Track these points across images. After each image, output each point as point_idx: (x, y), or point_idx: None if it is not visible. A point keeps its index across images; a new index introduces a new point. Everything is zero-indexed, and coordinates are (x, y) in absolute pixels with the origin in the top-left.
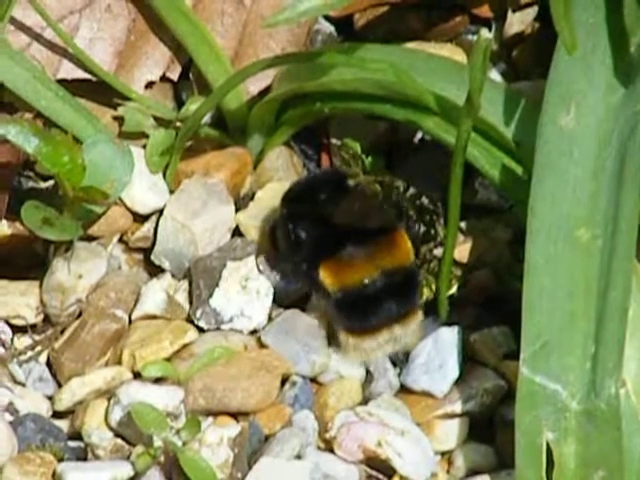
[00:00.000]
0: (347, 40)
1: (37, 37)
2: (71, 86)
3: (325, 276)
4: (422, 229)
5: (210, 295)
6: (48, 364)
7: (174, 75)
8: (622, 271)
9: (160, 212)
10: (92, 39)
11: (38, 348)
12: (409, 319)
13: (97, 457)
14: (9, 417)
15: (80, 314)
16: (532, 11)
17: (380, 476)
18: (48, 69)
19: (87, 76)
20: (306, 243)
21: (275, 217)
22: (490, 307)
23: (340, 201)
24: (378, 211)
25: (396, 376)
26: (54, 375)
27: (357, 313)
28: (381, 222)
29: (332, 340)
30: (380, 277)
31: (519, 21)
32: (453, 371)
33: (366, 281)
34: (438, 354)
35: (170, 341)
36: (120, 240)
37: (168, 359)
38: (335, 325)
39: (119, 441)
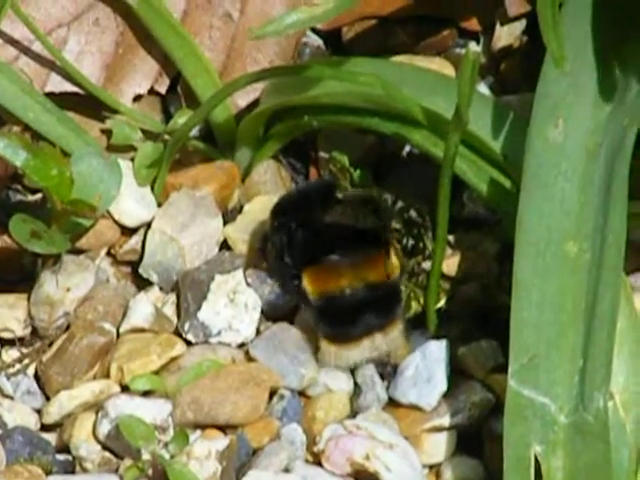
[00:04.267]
0: (335, 53)
1: (25, 50)
2: (59, 99)
3: (307, 282)
4: (410, 242)
5: (198, 308)
6: (36, 377)
7: (162, 88)
8: (610, 285)
9: (148, 225)
10: (80, 52)
11: (26, 361)
12: (390, 329)
13: (85, 470)
14: None
15: (68, 327)
16: (520, 25)
17: None
18: (36, 82)
19: (75, 89)
20: (293, 250)
21: (265, 229)
22: (478, 320)
23: (330, 209)
24: (369, 217)
25: (384, 389)
26: (42, 388)
27: (337, 321)
28: (372, 225)
29: (315, 350)
30: (362, 289)
31: (507, 34)
32: (441, 384)
33: (347, 291)
34: (426, 367)
35: (158, 354)
36: (108, 253)
37: (156, 372)
38: (317, 332)
39: (107, 454)
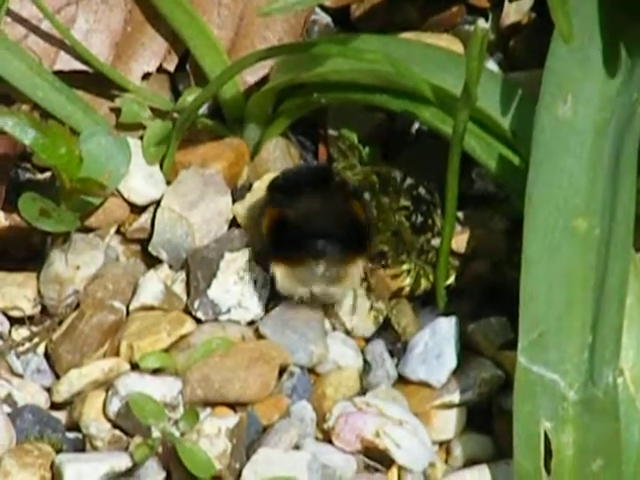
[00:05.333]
0: (344, 31)
1: (34, 29)
2: (68, 78)
3: (267, 216)
4: (419, 219)
5: (208, 286)
6: (46, 355)
7: (171, 66)
8: (619, 260)
9: (157, 203)
10: (89, 31)
11: (36, 340)
12: (349, 265)
13: (95, 448)
14: (7, 409)
15: (78, 305)
16: (528, 1)
17: (378, 466)
18: (45, 61)
19: (84, 68)
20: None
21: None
22: (488, 297)
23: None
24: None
25: (394, 366)
26: (52, 366)
27: (287, 240)
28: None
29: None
30: (321, 213)
31: (515, 11)
32: (451, 361)
33: (304, 210)
34: (436, 344)
35: (168, 332)
36: (117, 231)
37: (166, 350)
38: (267, 261)
39: (117, 432)
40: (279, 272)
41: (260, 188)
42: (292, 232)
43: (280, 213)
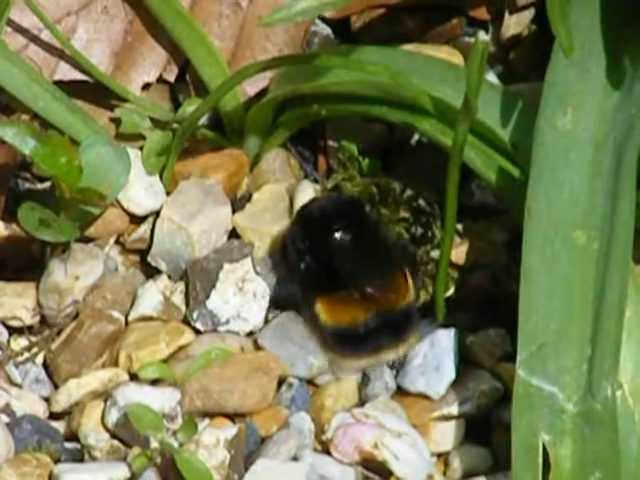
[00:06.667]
0: (344, 42)
1: (34, 39)
2: (68, 88)
3: (321, 311)
4: (419, 231)
5: (207, 297)
6: (45, 365)
7: (171, 77)
8: (619, 273)
9: (157, 214)
10: (89, 41)
11: (35, 349)
12: (403, 344)
13: (93, 458)
14: (5, 418)
15: (77, 315)
16: (529, 13)
17: (376, 478)
18: (45, 71)
19: (84, 77)
20: (308, 271)
21: (285, 229)
22: (487, 309)
23: (350, 239)
24: (381, 263)
25: (392, 378)
26: (50, 376)
27: (349, 345)
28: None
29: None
30: (375, 317)
31: (516, 23)
32: (449, 373)
33: (360, 321)
34: (435, 356)
35: (167, 343)
36: (117, 242)
37: (165, 361)
38: (326, 348)
39: (115, 442)
40: (343, 364)
41: (259, 199)
42: (357, 339)
43: (338, 313)
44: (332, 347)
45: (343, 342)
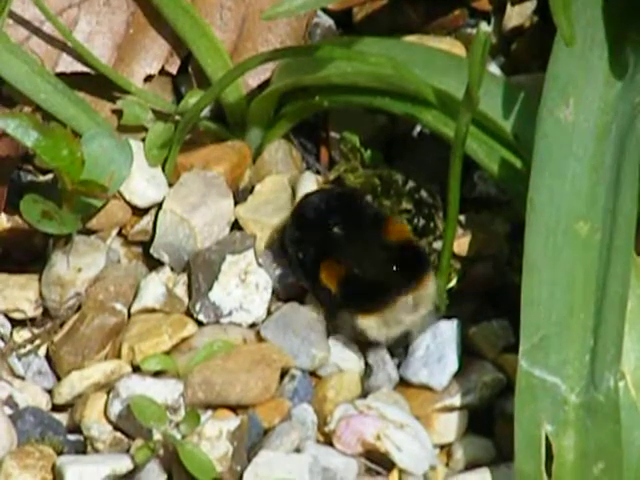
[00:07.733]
0: (346, 34)
1: (36, 31)
2: (70, 80)
3: (324, 276)
4: (421, 222)
5: (209, 289)
6: (47, 357)
7: (173, 69)
8: (621, 264)
9: (159, 205)
10: (91, 32)
11: (37, 342)
12: (422, 286)
13: (96, 450)
14: (8, 410)
15: (79, 308)
16: (531, 4)
17: (379, 469)
18: (47, 63)
19: (86, 69)
20: (308, 258)
21: (284, 223)
22: (489, 300)
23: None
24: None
25: (395, 369)
26: (53, 368)
27: (364, 298)
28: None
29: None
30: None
31: (518, 14)
32: (452, 364)
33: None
34: (437, 347)
35: (169, 335)
36: (119, 233)
37: (167, 352)
38: (343, 318)
39: (118, 434)
40: (371, 323)
41: (262, 191)
42: (365, 286)
43: (344, 269)
44: (348, 308)
45: (357, 297)
